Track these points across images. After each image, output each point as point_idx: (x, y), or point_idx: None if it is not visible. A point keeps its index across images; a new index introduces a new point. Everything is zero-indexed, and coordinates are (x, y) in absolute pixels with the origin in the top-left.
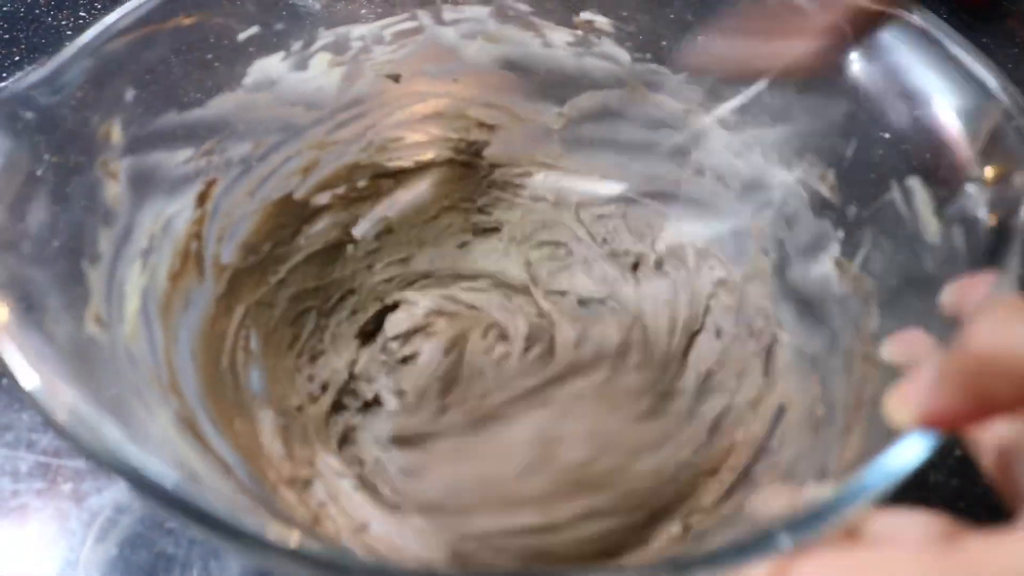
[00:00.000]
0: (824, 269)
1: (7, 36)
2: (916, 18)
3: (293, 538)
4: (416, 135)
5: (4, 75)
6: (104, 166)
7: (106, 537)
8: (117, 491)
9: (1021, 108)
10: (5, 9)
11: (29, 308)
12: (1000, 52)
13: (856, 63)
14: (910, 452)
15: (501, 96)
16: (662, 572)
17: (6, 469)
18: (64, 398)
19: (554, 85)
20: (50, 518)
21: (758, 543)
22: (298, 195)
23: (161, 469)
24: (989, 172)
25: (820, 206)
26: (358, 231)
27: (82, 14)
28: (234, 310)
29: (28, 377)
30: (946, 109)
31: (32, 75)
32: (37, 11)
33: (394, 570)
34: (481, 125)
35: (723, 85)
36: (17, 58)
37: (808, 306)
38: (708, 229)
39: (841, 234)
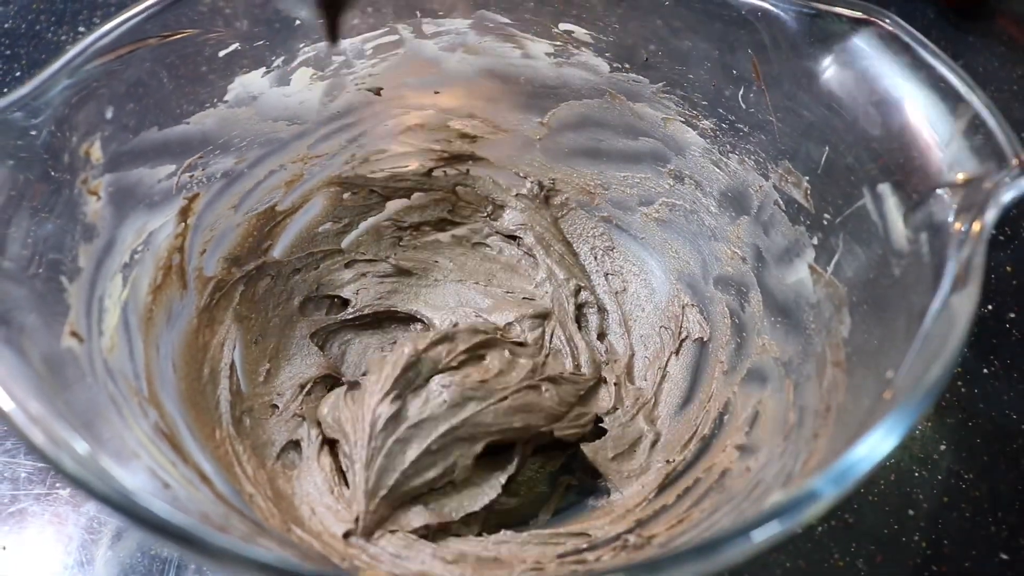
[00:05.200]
0: (799, 275)
1: (8, 52)
2: (888, 24)
3: (270, 552)
4: (399, 147)
5: (5, 90)
6: (85, 183)
7: (103, 541)
8: None
9: (990, 114)
10: (6, 26)
11: (6, 325)
12: (987, 50)
13: (830, 70)
14: (859, 461)
15: (483, 107)
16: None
17: (5, 475)
18: (38, 417)
19: (535, 95)
20: (48, 523)
21: (730, 539)
22: (282, 207)
23: (130, 487)
24: (959, 177)
25: (796, 212)
26: (345, 242)
27: (81, 29)
28: (217, 321)
29: (2, 399)
30: (917, 115)
31: (12, 95)
32: (38, 27)
33: None
34: (463, 136)
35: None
36: (18, 73)
37: (784, 312)
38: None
39: (816, 240)
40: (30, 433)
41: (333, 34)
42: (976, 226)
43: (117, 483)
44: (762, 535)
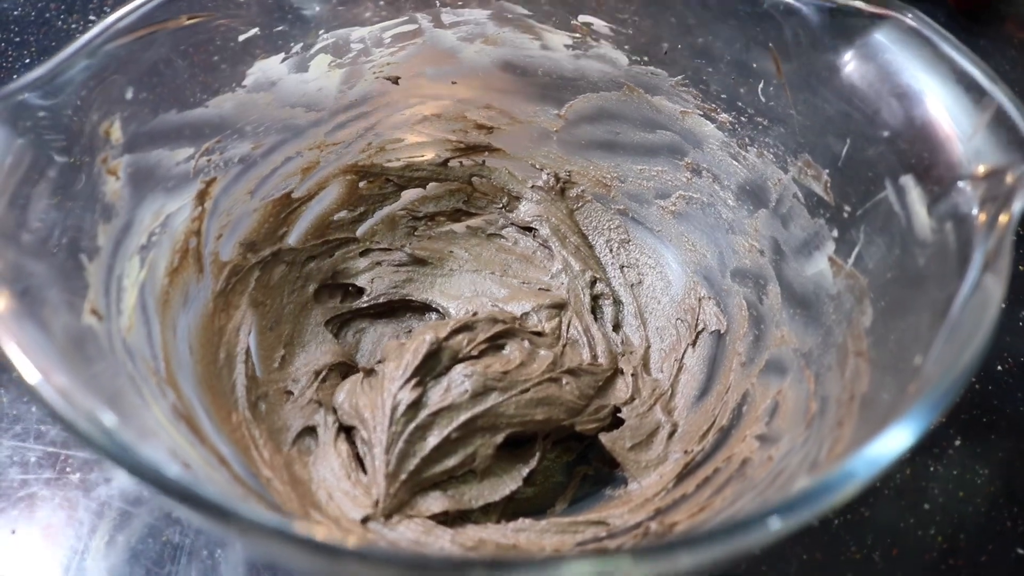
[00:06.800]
0: (819, 267)
1: (18, 39)
2: (909, 19)
3: (297, 525)
4: (415, 136)
5: (15, 76)
6: (105, 163)
7: (114, 526)
8: (125, 481)
9: (1014, 107)
10: (16, 13)
11: (28, 299)
12: (998, 54)
13: (851, 64)
14: (891, 445)
15: (500, 98)
16: (656, 551)
17: (15, 459)
18: (62, 388)
19: (552, 87)
20: (58, 507)
21: (750, 524)
22: (297, 194)
23: (159, 457)
24: (981, 169)
25: (815, 205)
26: (360, 230)
27: (91, 17)
28: (233, 306)
29: (26, 368)
30: (939, 108)
31: (32, 73)
32: (47, 15)
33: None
34: (480, 127)
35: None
36: (28, 60)
37: (803, 304)
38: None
39: (836, 232)
40: (55, 403)
41: None
42: (1003, 218)
43: (144, 453)
44: (793, 517)
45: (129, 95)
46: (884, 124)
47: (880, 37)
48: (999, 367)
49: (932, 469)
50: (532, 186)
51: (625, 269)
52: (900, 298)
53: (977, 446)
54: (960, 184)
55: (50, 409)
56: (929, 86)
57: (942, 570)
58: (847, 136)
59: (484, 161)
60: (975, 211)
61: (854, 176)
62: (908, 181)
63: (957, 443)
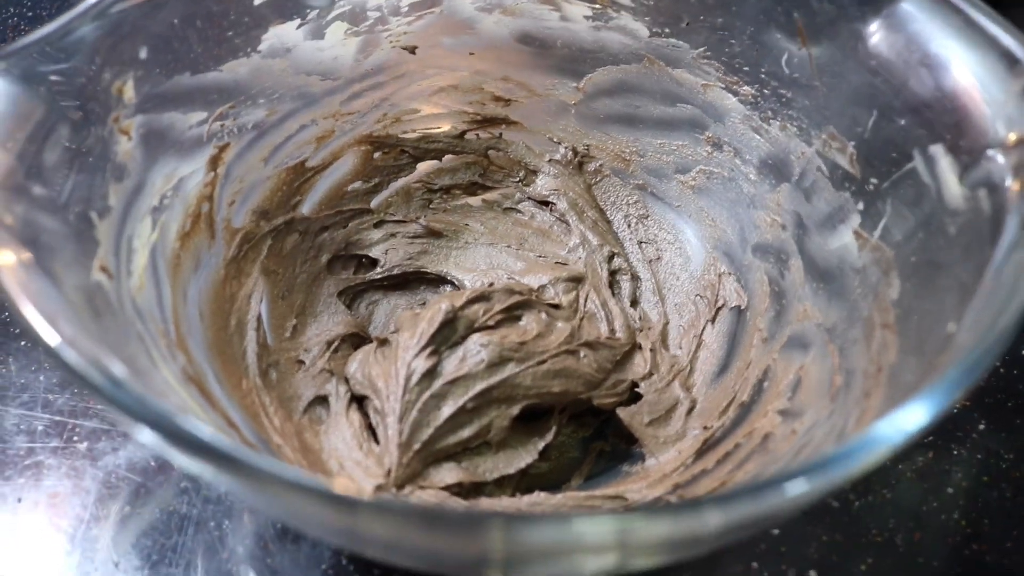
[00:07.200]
0: (843, 241)
1: (31, 14)
2: None
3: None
4: (432, 108)
5: None
6: (117, 122)
7: (121, 496)
8: (133, 451)
9: None
10: None
11: (39, 253)
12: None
13: (877, 34)
14: (924, 410)
15: (517, 70)
16: (674, 509)
17: (22, 428)
18: (71, 338)
19: (571, 59)
20: (65, 476)
21: (771, 485)
22: (312, 163)
23: (172, 409)
24: (1012, 137)
25: (840, 178)
26: (375, 201)
27: None
28: (244, 273)
29: (38, 320)
30: (969, 77)
31: (41, 31)
32: None
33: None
34: (497, 99)
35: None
36: None
37: (826, 278)
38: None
39: (861, 205)
40: (65, 353)
41: None
42: None
43: (156, 404)
44: (818, 479)
45: (143, 55)
46: (912, 94)
47: (907, 6)
48: None
49: (956, 453)
50: (549, 160)
51: (643, 245)
52: (930, 268)
53: (1002, 430)
54: (991, 152)
55: (63, 361)
56: (959, 54)
57: (966, 555)
58: (873, 107)
59: (501, 134)
60: (1008, 178)
61: (881, 147)
62: (938, 151)
63: (981, 427)
